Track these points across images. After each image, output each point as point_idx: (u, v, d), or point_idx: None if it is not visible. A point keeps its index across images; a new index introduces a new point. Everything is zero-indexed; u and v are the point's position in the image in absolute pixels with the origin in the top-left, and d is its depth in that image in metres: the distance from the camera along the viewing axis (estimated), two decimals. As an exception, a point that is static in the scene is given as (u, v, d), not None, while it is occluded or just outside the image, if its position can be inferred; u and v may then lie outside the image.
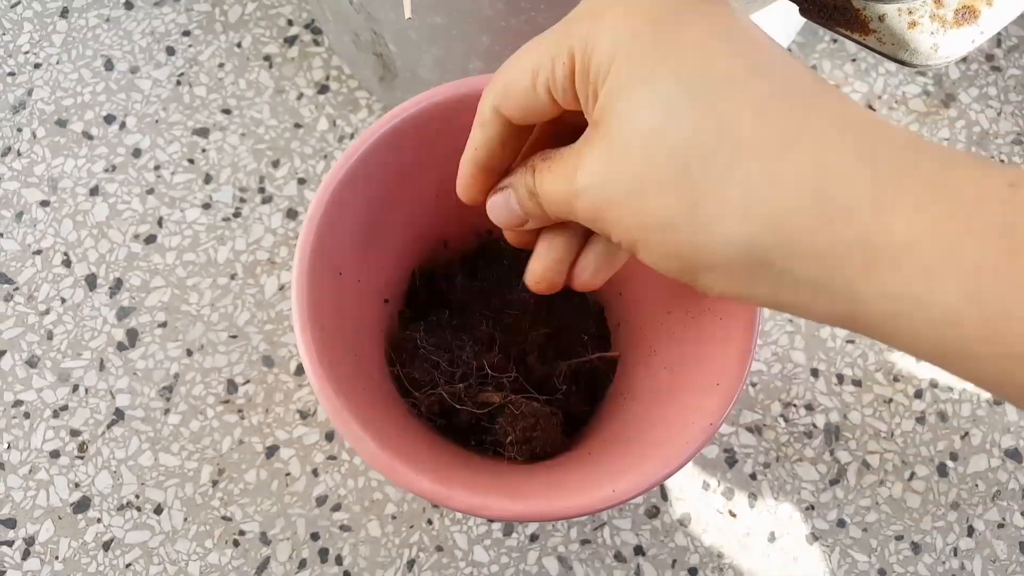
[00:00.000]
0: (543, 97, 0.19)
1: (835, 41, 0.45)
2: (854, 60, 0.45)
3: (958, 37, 0.26)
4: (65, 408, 0.38)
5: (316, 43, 0.43)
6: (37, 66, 0.43)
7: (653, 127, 0.16)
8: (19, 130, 0.42)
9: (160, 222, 0.40)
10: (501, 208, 0.22)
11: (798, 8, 0.28)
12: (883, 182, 0.15)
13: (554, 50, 0.18)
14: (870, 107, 0.44)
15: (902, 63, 0.26)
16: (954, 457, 0.38)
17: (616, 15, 0.17)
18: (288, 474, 0.37)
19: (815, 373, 0.39)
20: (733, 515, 0.37)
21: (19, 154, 0.41)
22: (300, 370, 0.38)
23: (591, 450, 0.28)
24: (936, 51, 0.26)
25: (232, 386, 0.38)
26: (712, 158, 0.16)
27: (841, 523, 0.37)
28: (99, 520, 0.36)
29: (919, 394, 0.39)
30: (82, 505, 0.36)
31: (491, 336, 0.31)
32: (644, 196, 0.17)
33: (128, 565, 0.36)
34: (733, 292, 0.17)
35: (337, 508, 0.37)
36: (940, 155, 0.15)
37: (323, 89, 0.43)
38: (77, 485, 0.37)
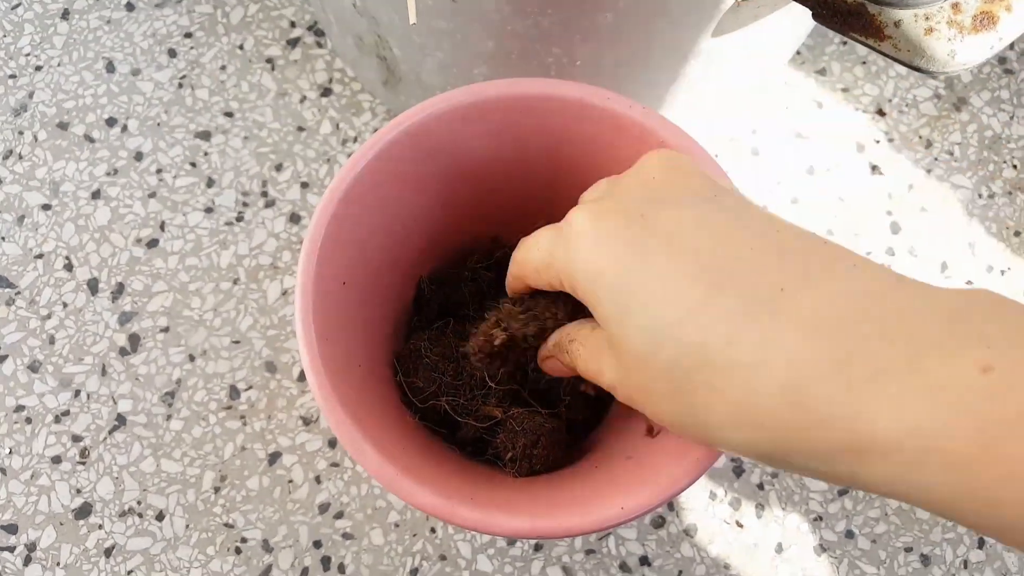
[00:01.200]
0: (549, 285, 0.22)
1: (845, 43, 0.44)
2: (864, 63, 0.44)
3: (976, 43, 0.25)
4: (67, 413, 0.37)
5: (319, 45, 0.43)
6: (38, 68, 0.42)
7: (644, 353, 0.18)
8: (20, 133, 0.41)
9: (162, 226, 0.40)
10: (556, 369, 0.24)
11: (811, 13, 0.27)
12: (858, 387, 0.15)
13: (545, 259, 0.21)
14: (880, 111, 0.43)
15: (918, 70, 0.26)
16: (965, 467, 0.38)
17: (586, 246, 0.19)
18: (291, 481, 0.37)
19: (824, 381, 0.39)
20: (740, 525, 0.37)
21: (20, 157, 0.41)
22: (303, 376, 0.38)
23: (598, 463, 0.27)
24: (953, 58, 0.25)
25: (234, 392, 0.38)
26: (696, 377, 0.17)
27: (850, 534, 0.37)
28: (100, 526, 0.36)
29: (929, 403, 0.39)
30: (83, 511, 0.36)
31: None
32: (654, 402, 0.19)
33: (130, 572, 0.35)
34: (753, 459, 0.19)
35: (340, 516, 0.36)
36: (915, 331, 0.15)
37: (326, 92, 0.42)
38: (79, 491, 0.36)
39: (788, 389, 0.16)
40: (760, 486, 0.37)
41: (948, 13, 0.25)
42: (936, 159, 0.43)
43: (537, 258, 0.22)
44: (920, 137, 0.43)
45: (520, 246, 0.23)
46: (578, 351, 0.22)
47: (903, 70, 0.44)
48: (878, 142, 0.43)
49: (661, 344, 0.18)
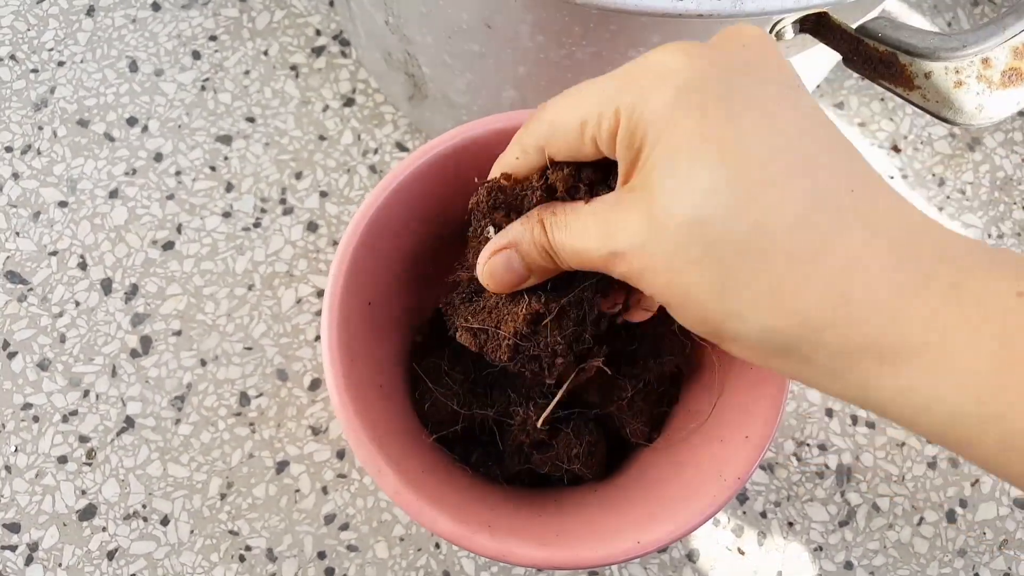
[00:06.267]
0: (588, 146, 0.20)
1: (863, 79, 0.45)
2: (882, 99, 0.44)
3: (1004, 99, 0.26)
4: (75, 413, 0.37)
5: (343, 55, 0.43)
6: (61, 64, 0.42)
7: (694, 209, 0.17)
8: (40, 128, 0.41)
9: (179, 229, 0.40)
10: (501, 270, 0.22)
11: (842, 59, 0.27)
12: (904, 291, 0.16)
13: (604, 105, 0.19)
14: (895, 147, 0.44)
15: (945, 121, 0.26)
16: (963, 504, 0.38)
17: (674, 84, 0.17)
18: (297, 490, 0.37)
19: (829, 413, 0.39)
20: (742, 552, 0.37)
21: (39, 152, 0.41)
22: (314, 385, 0.38)
23: (616, 490, 0.27)
24: (980, 111, 0.26)
25: (245, 399, 0.38)
26: (746, 252, 0.17)
27: (848, 565, 0.37)
28: (104, 528, 0.36)
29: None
30: (88, 512, 0.36)
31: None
32: (679, 270, 0.17)
33: (132, 576, 0.35)
34: (756, 362, 0.19)
35: (345, 527, 0.36)
36: (961, 258, 0.16)
37: (349, 102, 0.42)
38: (84, 492, 0.36)
39: (839, 281, 0.16)
40: (763, 514, 0.38)
41: (978, 67, 0.26)
42: (948, 197, 0.43)
43: (593, 104, 0.19)
44: (933, 175, 0.44)
45: (560, 97, 0.20)
46: (562, 222, 0.20)
47: (919, 108, 0.44)
48: (892, 178, 0.43)
49: (716, 211, 0.17)
